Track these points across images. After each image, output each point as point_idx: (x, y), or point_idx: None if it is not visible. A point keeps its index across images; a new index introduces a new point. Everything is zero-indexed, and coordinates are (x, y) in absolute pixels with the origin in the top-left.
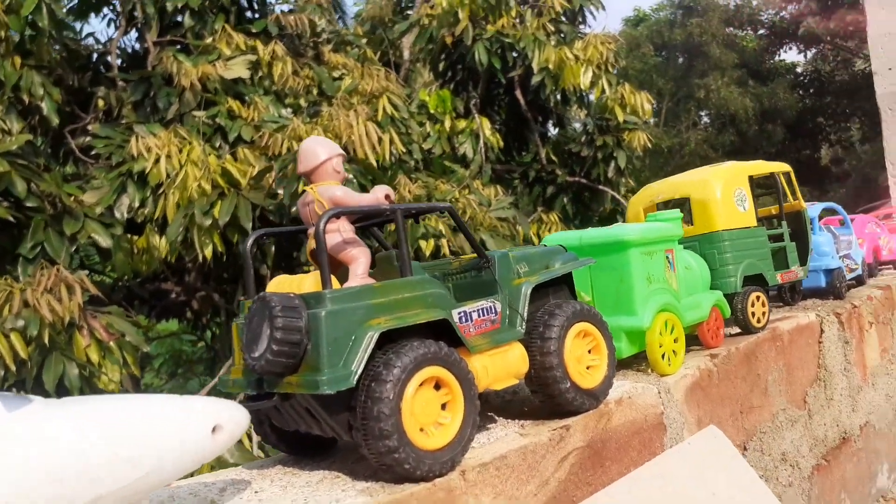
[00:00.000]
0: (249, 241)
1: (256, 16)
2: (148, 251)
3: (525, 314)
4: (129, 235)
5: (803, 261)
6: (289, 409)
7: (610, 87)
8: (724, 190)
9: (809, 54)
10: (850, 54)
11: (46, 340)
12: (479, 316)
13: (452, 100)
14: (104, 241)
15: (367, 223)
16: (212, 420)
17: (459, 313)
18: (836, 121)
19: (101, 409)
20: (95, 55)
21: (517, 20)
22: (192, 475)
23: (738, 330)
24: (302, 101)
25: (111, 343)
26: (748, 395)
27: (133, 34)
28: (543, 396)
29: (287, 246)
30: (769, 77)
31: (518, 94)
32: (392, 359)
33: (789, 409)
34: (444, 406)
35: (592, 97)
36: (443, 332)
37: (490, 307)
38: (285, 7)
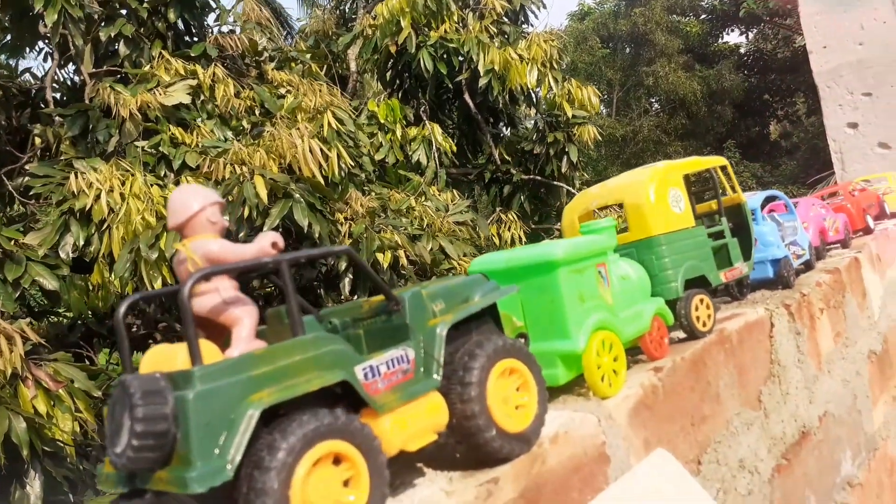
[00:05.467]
0: (123, 308)
1: (195, 39)
2: (104, 287)
3: (442, 359)
4: (79, 275)
5: (747, 255)
6: None
7: (556, 83)
8: (658, 192)
9: (751, 35)
10: (790, 31)
11: None
12: (388, 368)
13: (402, 108)
14: (50, 283)
15: (252, 276)
16: None
17: (365, 369)
18: (782, 97)
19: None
20: (33, 91)
21: (459, 24)
22: None
23: (683, 335)
24: (245, 123)
25: (60, 391)
26: (699, 405)
27: (71, 67)
28: (468, 447)
29: None
30: (714, 60)
31: (467, 97)
32: (276, 440)
33: (744, 413)
34: (346, 483)
35: (540, 95)
36: (348, 392)
37: (402, 356)
38: (225, 28)
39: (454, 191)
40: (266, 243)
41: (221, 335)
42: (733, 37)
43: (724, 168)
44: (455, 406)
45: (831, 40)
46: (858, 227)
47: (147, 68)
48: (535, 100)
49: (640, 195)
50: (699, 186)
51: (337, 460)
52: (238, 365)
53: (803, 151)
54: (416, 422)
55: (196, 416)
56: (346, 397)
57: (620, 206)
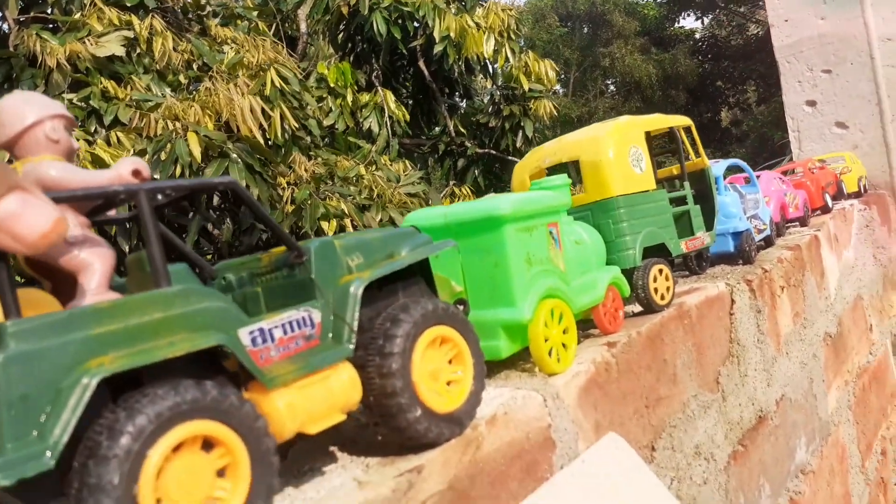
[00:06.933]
0: None
1: None
2: None
3: (355, 323)
4: None
5: (709, 225)
6: None
7: (513, 55)
8: (618, 149)
9: (706, 20)
10: (744, 19)
11: None
12: (285, 333)
13: (353, 72)
14: None
15: (105, 216)
16: None
17: (253, 333)
18: (734, 84)
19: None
20: None
21: None
22: None
23: (640, 308)
24: (182, 78)
25: None
26: (654, 385)
27: None
28: (387, 430)
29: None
30: (670, 44)
31: (421, 64)
32: (119, 420)
33: (701, 395)
34: (221, 472)
35: (497, 66)
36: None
37: (304, 318)
38: None
39: (406, 161)
40: (125, 169)
41: (73, 287)
42: (689, 21)
43: (688, 130)
44: (373, 381)
45: (793, 13)
46: (817, 205)
47: (78, 16)
48: (491, 71)
49: (598, 151)
50: (658, 150)
51: (209, 445)
52: (72, 321)
53: (752, 140)
54: (318, 399)
55: (7, 387)
56: (233, 370)
57: (574, 164)
